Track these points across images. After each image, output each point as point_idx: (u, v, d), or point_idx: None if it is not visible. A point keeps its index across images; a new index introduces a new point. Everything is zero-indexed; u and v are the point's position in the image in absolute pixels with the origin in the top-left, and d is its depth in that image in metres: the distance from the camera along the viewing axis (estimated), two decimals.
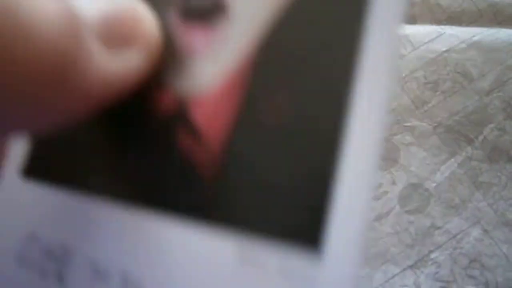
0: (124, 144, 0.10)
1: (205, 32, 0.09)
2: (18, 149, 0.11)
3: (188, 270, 0.09)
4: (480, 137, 0.34)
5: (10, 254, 0.10)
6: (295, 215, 0.08)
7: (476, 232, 0.32)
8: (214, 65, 0.09)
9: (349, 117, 0.08)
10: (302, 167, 0.08)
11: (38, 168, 0.11)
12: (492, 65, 0.35)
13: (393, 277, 0.32)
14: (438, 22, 0.37)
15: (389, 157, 0.34)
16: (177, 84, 0.10)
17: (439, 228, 0.32)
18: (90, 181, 0.10)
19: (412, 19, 0.37)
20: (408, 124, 0.34)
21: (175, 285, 0.09)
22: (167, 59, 0.10)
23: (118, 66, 0.09)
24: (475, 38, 0.35)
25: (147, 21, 0.09)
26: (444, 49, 0.35)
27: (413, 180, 0.33)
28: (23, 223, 0.11)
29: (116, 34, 0.09)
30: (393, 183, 0.33)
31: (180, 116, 0.09)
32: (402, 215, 0.33)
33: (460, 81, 0.35)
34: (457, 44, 0.35)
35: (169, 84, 0.10)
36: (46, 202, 0.10)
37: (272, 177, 0.08)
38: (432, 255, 0.32)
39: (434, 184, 0.33)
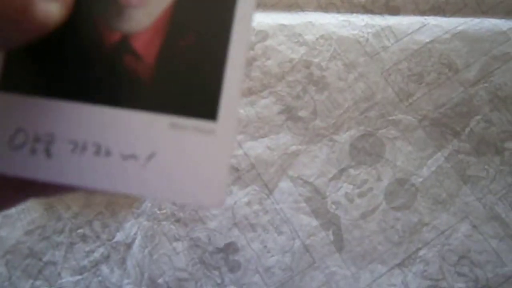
0: (84, 62, 0.16)
1: None
2: None
3: (142, 137, 0.16)
4: (467, 130, 0.33)
5: (3, 143, 0.16)
6: (201, 98, 0.16)
7: (464, 227, 0.31)
8: (146, 13, 0.16)
9: (230, 41, 0.16)
10: (203, 70, 0.16)
11: (12, 81, 0.16)
12: (477, 56, 0.34)
13: (380, 276, 0.30)
14: (422, 13, 0.36)
15: (374, 152, 0.33)
16: (122, 26, 0.16)
17: (426, 224, 0.31)
18: (55, 87, 0.16)
19: (395, 10, 0.36)
20: (393, 117, 0.33)
21: (133, 145, 0.16)
22: (113, 10, 0.16)
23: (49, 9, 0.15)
24: (460, 28, 0.35)
25: None
26: (428, 40, 0.35)
27: (399, 175, 0.32)
28: (10, 122, 0.16)
29: None
30: (379, 178, 0.32)
31: (124, 44, 0.16)
32: (388, 212, 0.31)
33: (445, 72, 0.34)
34: (441, 35, 0.35)
35: (115, 26, 0.16)
36: (25, 105, 0.16)
37: (185, 75, 0.16)
38: (420, 253, 0.31)
39: (421, 179, 0.32)
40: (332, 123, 0.33)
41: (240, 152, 0.33)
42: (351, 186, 0.32)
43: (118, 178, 0.16)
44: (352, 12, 0.36)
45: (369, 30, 0.35)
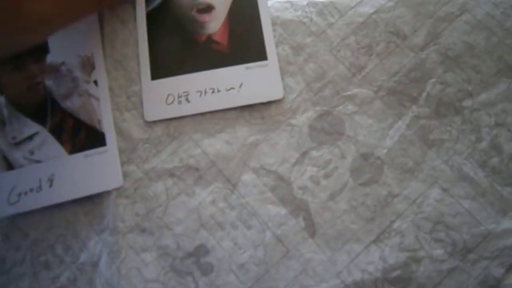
0: (193, 53, 0.35)
1: (208, 15, 0.36)
2: None
3: (233, 77, 0.35)
4: (424, 94, 0.33)
5: (162, 103, 0.35)
6: (257, 52, 0.35)
7: (435, 193, 0.31)
8: (215, 23, 0.36)
9: (261, 23, 0.36)
10: (253, 41, 0.35)
11: (157, 73, 0.35)
12: (423, 19, 0.34)
13: (357, 256, 0.30)
14: None
15: (334, 131, 0.32)
16: (203, 31, 0.36)
17: (397, 195, 0.31)
18: (180, 69, 0.35)
19: None
20: (348, 92, 0.33)
21: (231, 83, 0.34)
22: (199, 25, 0.36)
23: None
24: None
25: None
26: (372, 11, 0.35)
27: (363, 150, 0.32)
28: (163, 93, 0.35)
29: None
30: (342, 156, 0.32)
31: (210, 39, 0.36)
32: (356, 188, 0.31)
33: (393, 40, 0.34)
34: (385, 3, 0.35)
35: (201, 31, 0.36)
36: (168, 82, 0.35)
37: (246, 45, 0.35)
38: (394, 225, 0.31)
39: (385, 151, 0.32)
40: (288, 108, 0.33)
41: (197, 151, 0.33)
42: (315, 169, 0.32)
43: (224, 101, 0.34)
44: None
45: (312, 9, 0.35)
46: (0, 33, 0.30)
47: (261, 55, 0.34)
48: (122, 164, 0.33)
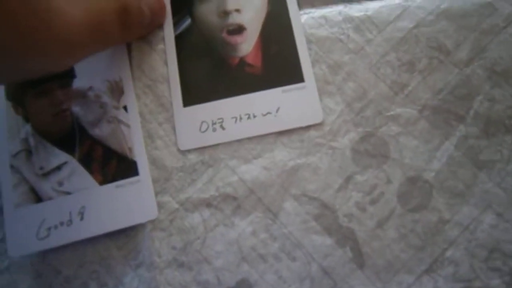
0: (226, 77, 0.34)
1: (240, 36, 0.34)
2: None
3: (269, 102, 0.33)
4: (471, 112, 0.31)
5: (195, 131, 0.33)
6: (293, 73, 0.33)
7: (489, 218, 0.29)
8: (247, 44, 0.34)
9: (295, 42, 0.34)
10: (288, 61, 0.33)
11: (188, 100, 0.34)
12: (466, 33, 0.33)
13: (409, 287, 0.28)
14: None
15: (378, 153, 0.31)
16: (235, 53, 0.34)
17: (448, 221, 0.29)
18: (214, 94, 0.33)
19: None
20: (391, 112, 0.32)
21: (267, 107, 0.33)
22: (230, 47, 0.34)
23: None
24: (443, 6, 0.33)
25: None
26: (412, 25, 0.33)
27: (410, 173, 0.30)
28: (196, 120, 0.33)
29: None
30: (388, 181, 0.30)
31: (242, 62, 0.34)
32: (405, 215, 0.30)
33: (436, 56, 0.32)
34: (425, 17, 0.33)
35: (233, 54, 0.34)
36: (201, 109, 0.33)
37: (280, 66, 0.33)
38: (447, 254, 0.29)
39: (433, 174, 0.30)
40: (328, 130, 0.32)
41: (234, 178, 0.31)
42: (360, 194, 0.30)
43: (261, 127, 0.32)
44: (327, 4, 0.34)
45: (349, 25, 0.34)
46: (28, 56, 0.28)
47: (297, 77, 0.33)
48: (156, 194, 0.31)
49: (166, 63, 0.34)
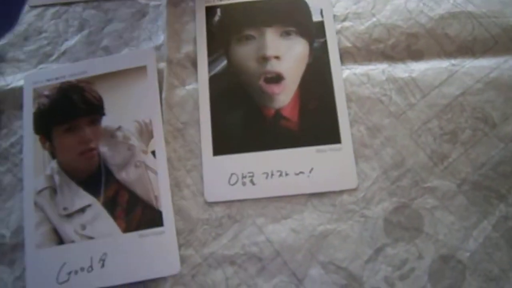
0: (260, 129, 0.33)
1: (277, 86, 0.33)
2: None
3: (303, 160, 0.32)
4: None
5: (224, 184, 0.32)
6: (330, 133, 0.32)
7: None
8: (285, 95, 0.33)
9: (335, 100, 0.33)
10: (327, 119, 0.32)
11: (218, 149, 0.33)
12: None
13: None
14: (448, 55, 0.33)
15: (411, 226, 0.30)
16: (271, 104, 0.33)
17: None
18: (246, 146, 0.33)
19: (418, 55, 0.33)
20: (428, 184, 0.31)
21: (300, 166, 0.32)
22: (267, 98, 0.33)
23: None
24: (492, 75, 0.32)
25: None
26: (458, 92, 0.32)
27: (443, 251, 0.29)
28: (226, 171, 0.32)
29: None
30: (420, 256, 0.29)
31: (278, 114, 0.33)
32: None
33: (481, 127, 0.31)
34: (473, 85, 0.32)
35: (269, 105, 0.33)
36: (231, 160, 0.32)
37: (318, 124, 0.32)
38: None
39: (468, 254, 0.29)
40: (362, 196, 0.31)
41: (261, 238, 0.30)
42: (390, 268, 0.29)
43: (293, 186, 0.31)
44: (370, 60, 0.33)
45: (392, 86, 0.32)
46: None
47: (334, 137, 0.32)
48: (180, 246, 0.31)
49: (198, 106, 0.34)
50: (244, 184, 0.32)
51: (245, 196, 0.31)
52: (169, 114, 0.34)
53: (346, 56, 0.34)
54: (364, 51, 0.34)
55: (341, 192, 0.31)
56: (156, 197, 0.32)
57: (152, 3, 0.38)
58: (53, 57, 0.37)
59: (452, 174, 0.31)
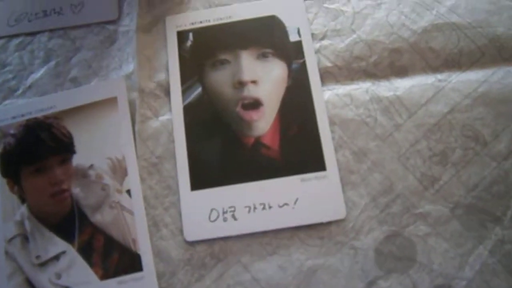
0: (239, 160, 0.31)
1: (256, 112, 0.32)
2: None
3: (287, 191, 0.30)
4: (509, 213, 0.29)
5: (204, 220, 0.30)
6: (313, 160, 0.30)
7: None
8: (264, 123, 0.31)
9: (318, 126, 0.31)
10: (309, 146, 0.31)
11: (197, 183, 0.31)
12: (506, 121, 0.30)
13: None
14: (434, 69, 0.31)
15: (404, 256, 0.28)
16: (250, 132, 0.31)
17: None
18: (225, 179, 0.31)
19: (402, 71, 0.32)
20: (420, 210, 0.29)
21: (284, 197, 0.30)
22: (245, 125, 0.32)
23: None
24: (481, 89, 0.30)
25: None
26: (446, 109, 0.30)
27: (438, 281, 0.28)
28: (205, 206, 0.31)
29: None
30: None
31: (258, 143, 0.31)
32: None
33: (471, 146, 0.30)
34: (461, 101, 0.30)
35: (248, 133, 0.31)
36: (210, 194, 0.30)
37: (300, 151, 0.31)
38: None
39: (464, 283, 0.28)
40: (350, 227, 0.29)
41: (247, 277, 0.29)
42: None
43: (277, 220, 0.29)
44: (352, 79, 0.32)
45: (376, 106, 0.31)
46: None
47: (318, 164, 0.30)
48: None
49: (173, 138, 0.32)
50: (225, 219, 0.30)
51: (227, 233, 0.30)
52: (143, 148, 0.32)
53: (327, 76, 0.32)
54: (345, 70, 0.32)
55: (329, 223, 0.29)
56: (133, 240, 0.30)
57: (121, 29, 0.36)
58: (19, 92, 0.35)
59: (444, 197, 0.29)
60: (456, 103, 0.31)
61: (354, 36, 0.33)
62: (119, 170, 0.31)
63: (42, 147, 0.32)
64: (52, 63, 0.36)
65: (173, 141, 0.32)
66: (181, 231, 0.30)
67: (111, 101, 0.33)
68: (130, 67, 0.34)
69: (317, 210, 0.29)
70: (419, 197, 0.29)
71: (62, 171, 0.32)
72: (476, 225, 0.29)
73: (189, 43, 0.34)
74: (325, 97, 0.32)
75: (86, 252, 0.30)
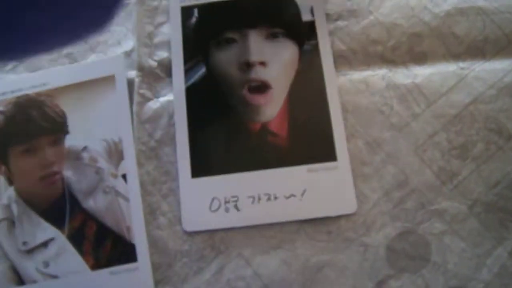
0: (244, 146, 0.29)
1: (263, 96, 0.29)
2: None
3: (294, 181, 0.28)
4: None
5: (205, 209, 0.28)
6: (324, 150, 0.28)
7: None
8: (272, 107, 0.29)
9: (330, 112, 0.29)
10: (320, 134, 0.28)
11: (198, 170, 0.29)
12: None
13: None
14: (456, 57, 0.29)
15: (417, 255, 0.27)
16: (257, 117, 0.29)
17: None
18: (230, 166, 0.28)
19: (421, 57, 0.29)
20: (436, 206, 0.27)
21: (290, 188, 0.28)
22: (252, 110, 0.29)
23: None
24: (507, 79, 0.28)
25: None
26: (468, 100, 0.28)
27: (453, 282, 0.26)
28: (206, 195, 0.28)
29: None
30: None
31: (265, 129, 0.29)
32: None
33: (494, 140, 0.28)
34: (484, 91, 0.28)
35: (254, 118, 0.29)
36: (212, 183, 0.28)
37: (309, 139, 0.28)
38: None
39: (482, 286, 0.26)
40: (361, 222, 0.27)
41: (248, 272, 0.27)
42: None
43: (283, 212, 0.27)
44: (368, 64, 0.30)
45: (393, 94, 0.29)
46: None
47: (329, 154, 0.28)
48: (156, 284, 0.27)
49: (173, 121, 0.30)
50: (227, 210, 0.28)
51: (229, 224, 0.28)
52: (141, 131, 0.30)
53: (341, 60, 0.30)
54: (360, 54, 0.30)
55: (338, 217, 0.27)
56: (128, 228, 0.28)
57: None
58: (9, 67, 0.33)
59: (463, 194, 0.27)
60: (479, 93, 0.29)
61: (371, 17, 0.31)
62: (115, 153, 0.29)
63: (32, 126, 0.30)
64: None
65: (173, 125, 0.30)
66: (179, 221, 0.28)
67: (109, 80, 0.31)
68: (129, 44, 0.32)
69: (325, 203, 0.28)
70: (435, 193, 0.28)
71: (54, 152, 0.30)
72: (495, 225, 0.27)
73: (193, 19, 0.32)
74: (338, 82, 0.29)
75: (76, 239, 0.28)
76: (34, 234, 0.28)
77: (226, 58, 0.30)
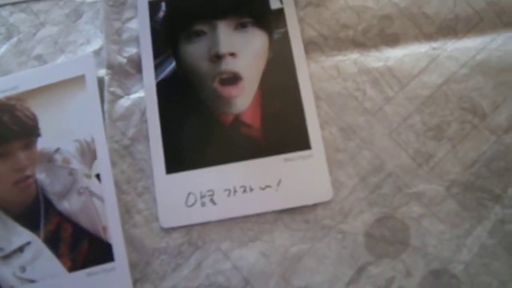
0: (217, 139, 0.28)
1: (234, 88, 0.29)
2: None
3: (269, 172, 0.28)
4: (509, 191, 0.27)
5: (181, 205, 0.28)
6: (297, 138, 0.28)
7: None
8: (244, 99, 0.29)
9: (302, 100, 0.29)
10: (292, 122, 0.28)
11: (172, 166, 0.28)
12: (506, 91, 0.28)
13: None
14: (427, 37, 0.29)
15: (396, 240, 0.26)
16: (229, 109, 0.29)
17: None
18: (203, 160, 0.28)
19: (393, 40, 0.29)
20: (413, 189, 0.27)
21: (266, 179, 0.28)
22: (223, 102, 0.29)
23: None
24: (479, 57, 0.28)
25: None
26: (441, 80, 0.28)
27: (434, 265, 0.26)
28: (182, 190, 0.28)
29: None
30: (408, 274, 0.26)
31: (237, 121, 0.29)
32: None
33: (469, 119, 0.27)
34: (457, 70, 0.28)
35: (226, 110, 0.29)
36: (186, 177, 0.28)
37: (282, 129, 0.28)
38: None
39: (462, 266, 0.26)
40: (338, 209, 0.27)
41: (227, 265, 0.27)
42: None
43: (259, 203, 0.27)
44: (339, 49, 0.29)
45: (365, 78, 0.28)
46: None
47: (303, 142, 0.28)
48: (135, 282, 0.27)
49: (145, 117, 0.30)
50: (203, 204, 0.28)
51: (206, 219, 0.28)
52: (113, 129, 0.30)
53: (312, 47, 0.30)
54: (331, 40, 0.30)
55: (315, 206, 0.27)
56: (104, 228, 0.28)
57: (88, 0, 0.33)
58: None
59: (440, 175, 0.27)
60: (452, 73, 0.28)
61: (341, 2, 0.30)
62: (88, 154, 0.29)
63: (4, 131, 0.30)
64: (14, 39, 0.33)
65: (146, 121, 0.29)
66: (156, 218, 0.28)
67: (79, 80, 0.31)
68: (98, 42, 0.32)
69: (301, 192, 0.27)
70: (412, 176, 0.27)
71: (26, 156, 0.29)
72: (474, 204, 0.27)
73: (161, 13, 0.31)
74: (310, 69, 0.29)
75: (52, 242, 0.28)
76: (9, 240, 0.28)
77: (195, 51, 0.30)
